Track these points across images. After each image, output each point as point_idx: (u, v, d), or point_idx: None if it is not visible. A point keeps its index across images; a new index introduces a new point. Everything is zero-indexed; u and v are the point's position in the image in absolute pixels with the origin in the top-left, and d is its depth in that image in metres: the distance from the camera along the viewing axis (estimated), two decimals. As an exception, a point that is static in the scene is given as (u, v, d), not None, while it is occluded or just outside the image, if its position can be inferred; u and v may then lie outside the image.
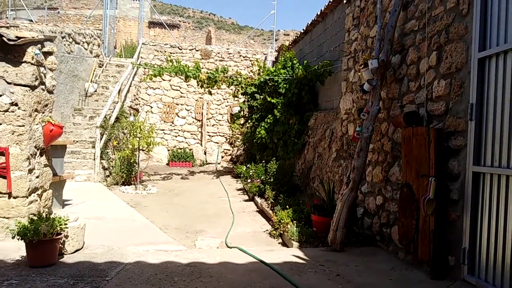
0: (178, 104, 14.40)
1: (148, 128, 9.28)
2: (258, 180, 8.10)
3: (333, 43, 7.83)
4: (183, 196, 8.46)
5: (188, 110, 14.49)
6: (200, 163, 13.85)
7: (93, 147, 9.50)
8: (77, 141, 9.55)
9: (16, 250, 4.17)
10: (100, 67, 12.98)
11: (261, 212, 6.91)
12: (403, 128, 4.09)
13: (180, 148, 14.18)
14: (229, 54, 14.74)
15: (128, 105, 11.86)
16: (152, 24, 30.56)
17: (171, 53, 14.05)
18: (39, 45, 4.78)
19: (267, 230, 5.73)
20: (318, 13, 8.39)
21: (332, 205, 5.09)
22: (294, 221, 5.12)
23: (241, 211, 7.10)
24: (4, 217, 4.53)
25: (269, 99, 9.44)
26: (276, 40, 19.26)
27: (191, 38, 34.79)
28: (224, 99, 14.67)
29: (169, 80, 14.04)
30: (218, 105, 14.71)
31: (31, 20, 13.56)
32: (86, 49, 11.92)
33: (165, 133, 14.20)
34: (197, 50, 14.51)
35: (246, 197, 8.38)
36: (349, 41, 6.15)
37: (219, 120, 14.72)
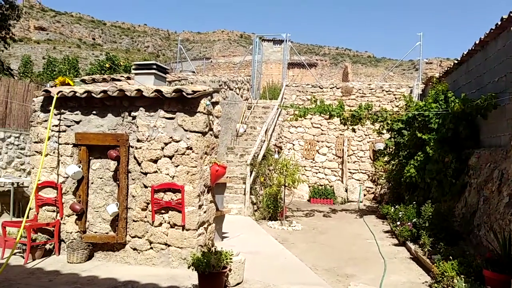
0: (318, 141, 14.63)
1: (293, 166, 9.60)
2: (409, 223, 7.52)
3: (497, 73, 6.99)
4: (328, 235, 8.37)
5: (328, 147, 14.57)
6: (341, 200, 13.62)
7: (244, 183, 10.26)
8: (230, 178, 10.45)
9: (187, 278, 4.69)
10: (248, 109, 14.18)
11: (416, 260, 6.35)
12: None
13: (321, 185, 14.23)
14: (371, 89, 14.47)
15: (273, 143, 12.56)
16: (291, 65, 32.23)
17: (312, 92, 14.52)
18: (209, 97, 5.49)
19: (426, 282, 5.21)
20: (477, 42, 7.66)
21: (509, 260, 4.38)
22: (462, 275, 4.55)
23: (392, 256, 6.64)
24: (178, 247, 5.17)
25: (419, 135, 8.85)
26: (416, 69, 18.18)
27: (327, 75, 35.42)
28: (366, 135, 14.32)
29: (310, 119, 14.44)
30: (359, 141, 14.42)
31: (193, 72, 15.77)
32: (238, 94, 13.21)
33: (306, 170, 14.47)
34: (337, 88, 14.67)
35: (396, 241, 7.83)
36: (522, 71, 5.41)
37: (361, 157, 14.36)
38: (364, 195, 14.09)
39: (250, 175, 10.25)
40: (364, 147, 14.38)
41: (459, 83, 9.15)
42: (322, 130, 14.65)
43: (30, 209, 5.40)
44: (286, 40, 16.17)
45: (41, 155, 5.49)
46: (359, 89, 14.57)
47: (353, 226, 9.58)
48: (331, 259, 6.36)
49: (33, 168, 5.82)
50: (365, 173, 14.30)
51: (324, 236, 8.26)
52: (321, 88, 14.82)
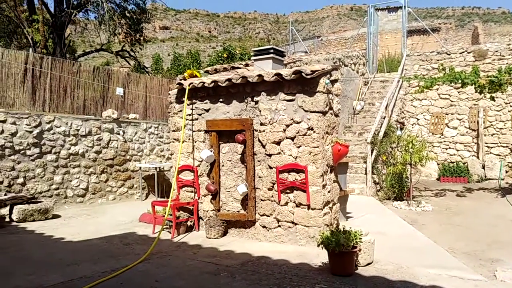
0: (447, 114, 13.28)
1: (419, 142, 8.93)
2: None
3: None
4: (464, 216, 7.64)
5: (459, 120, 13.13)
6: (477, 178, 12.23)
7: (364, 162, 9.94)
8: (349, 157, 10.23)
9: (316, 256, 4.77)
10: (365, 84, 13.58)
11: None
12: None
13: (452, 162, 12.97)
14: (511, 50, 12.49)
15: (394, 119, 11.85)
16: (409, 32, 29.54)
17: (438, 60, 13.20)
18: (328, 75, 5.40)
19: None
20: None
21: None
22: None
23: (549, 241, 5.76)
24: (305, 226, 5.29)
25: None
26: None
27: (453, 40, 31.72)
28: (506, 104, 12.50)
29: (437, 89, 13.16)
30: (498, 111, 12.66)
31: (306, 52, 15.70)
32: (353, 70, 12.74)
33: (433, 146, 13.33)
34: (468, 52, 13.03)
35: (553, 224, 6.76)
36: None
37: (500, 129, 12.61)
38: (506, 171, 12.40)
39: (371, 154, 9.87)
40: (504, 117, 12.58)
41: None
42: (452, 101, 13.24)
43: (173, 190, 6.11)
44: (404, 6, 14.89)
45: (179, 142, 6.14)
46: (496, 51, 12.71)
47: (494, 207, 8.56)
48: (470, 242, 5.79)
49: (171, 154, 6.56)
50: (506, 146, 12.54)
51: (460, 217, 7.56)
52: (448, 54, 13.35)
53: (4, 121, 7.52)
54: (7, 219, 6.96)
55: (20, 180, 7.68)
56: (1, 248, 5.31)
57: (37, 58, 8.87)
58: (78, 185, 8.60)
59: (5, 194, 7.32)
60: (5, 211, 7.05)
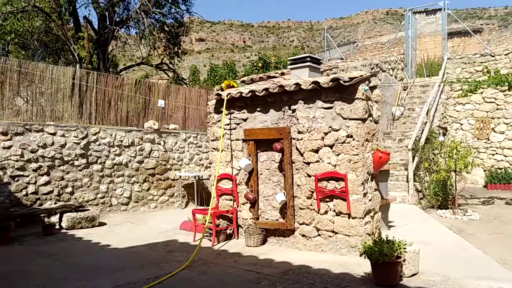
0: (493, 118, 12.67)
1: (464, 148, 8.56)
2: None
3: None
4: (515, 226, 7.23)
5: (507, 124, 12.48)
6: (528, 185, 11.55)
7: (405, 169, 9.66)
8: (390, 164, 9.97)
9: (358, 265, 4.68)
10: (404, 90, 13.24)
11: None
12: None
13: (500, 168, 12.32)
14: None
15: (436, 125, 11.46)
16: (449, 34, 28.50)
17: (481, 62, 12.66)
18: (366, 82, 5.33)
19: None
20: None
21: None
22: None
23: None
24: (345, 235, 5.21)
25: None
26: None
27: (496, 41, 30.29)
28: (558, 106, 11.76)
29: (481, 93, 12.59)
30: (549, 114, 11.93)
31: (342, 58, 15.53)
32: (392, 75, 12.47)
33: (479, 152, 12.73)
34: (515, 53, 12.42)
35: None
36: None
37: (553, 133, 11.87)
38: (561, 178, 11.63)
39: (413, 161, 9.57)
40: (557, 120, 11.84)
41: None
42: (498, 105, 12.62)
43: (213, 198, 6.21)
44: (444, 8, 14.44)
45: (218, 151, 6.25)
46: (546, 51, 12.04)
47: (548, 215, 8.04)
48: (523, 253, 5.47)
49: (210, 163, 6.69)
50: (560, 151, 11.78)
51: (510, 227, 7.15)
52: (493, 56, 12.77)
53: (54, 134, 7.96)
54: (57, 227, 7.32)
55: (69, 189, 8.08)
56: (53, 255, 5.59)
57: (84, 73, 9.35)
58: (122, 194, 8.93)
59: (55, 203, 7.73)
60: (55, 219, 7.43)
